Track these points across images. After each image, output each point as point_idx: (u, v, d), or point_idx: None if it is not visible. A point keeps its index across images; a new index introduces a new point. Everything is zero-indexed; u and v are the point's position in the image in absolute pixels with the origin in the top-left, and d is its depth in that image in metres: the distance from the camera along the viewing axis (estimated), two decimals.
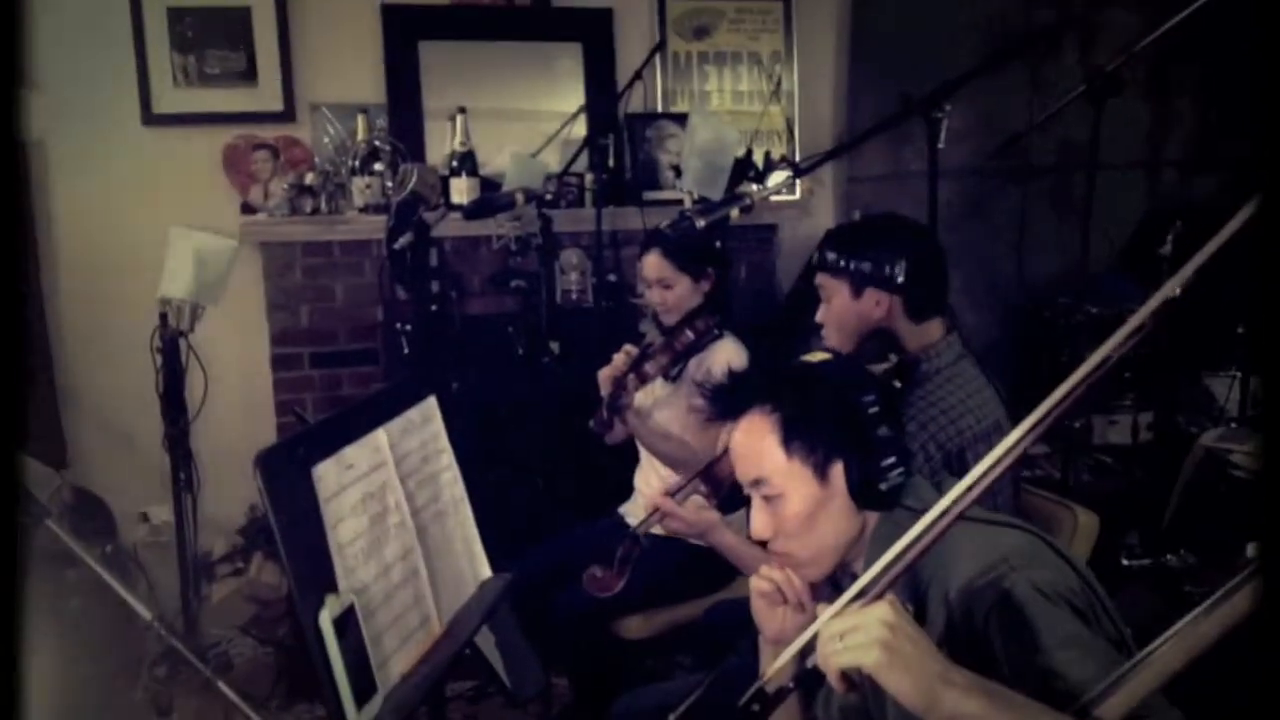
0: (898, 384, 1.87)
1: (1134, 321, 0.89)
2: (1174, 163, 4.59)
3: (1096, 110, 2.96)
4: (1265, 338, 0.72)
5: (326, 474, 1.37)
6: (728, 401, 1.49)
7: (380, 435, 1.52)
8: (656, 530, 2.17)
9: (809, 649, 1.14)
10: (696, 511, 2.01)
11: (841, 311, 2.05)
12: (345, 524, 1.39)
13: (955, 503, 1.01)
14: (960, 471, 1.92)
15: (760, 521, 1.44)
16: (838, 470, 1.40)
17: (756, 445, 1.43)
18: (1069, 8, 4.32)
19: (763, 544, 1.48)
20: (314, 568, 1.32)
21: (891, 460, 1.39)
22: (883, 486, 1.39)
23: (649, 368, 2.54)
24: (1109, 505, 2.18)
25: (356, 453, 1.45)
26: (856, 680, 1.10)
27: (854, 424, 1.39)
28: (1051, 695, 1.13)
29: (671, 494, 2.05)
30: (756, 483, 1.43)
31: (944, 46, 3.95)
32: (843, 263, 2.04)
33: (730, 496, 2.01)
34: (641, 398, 2.63)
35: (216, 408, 3.12)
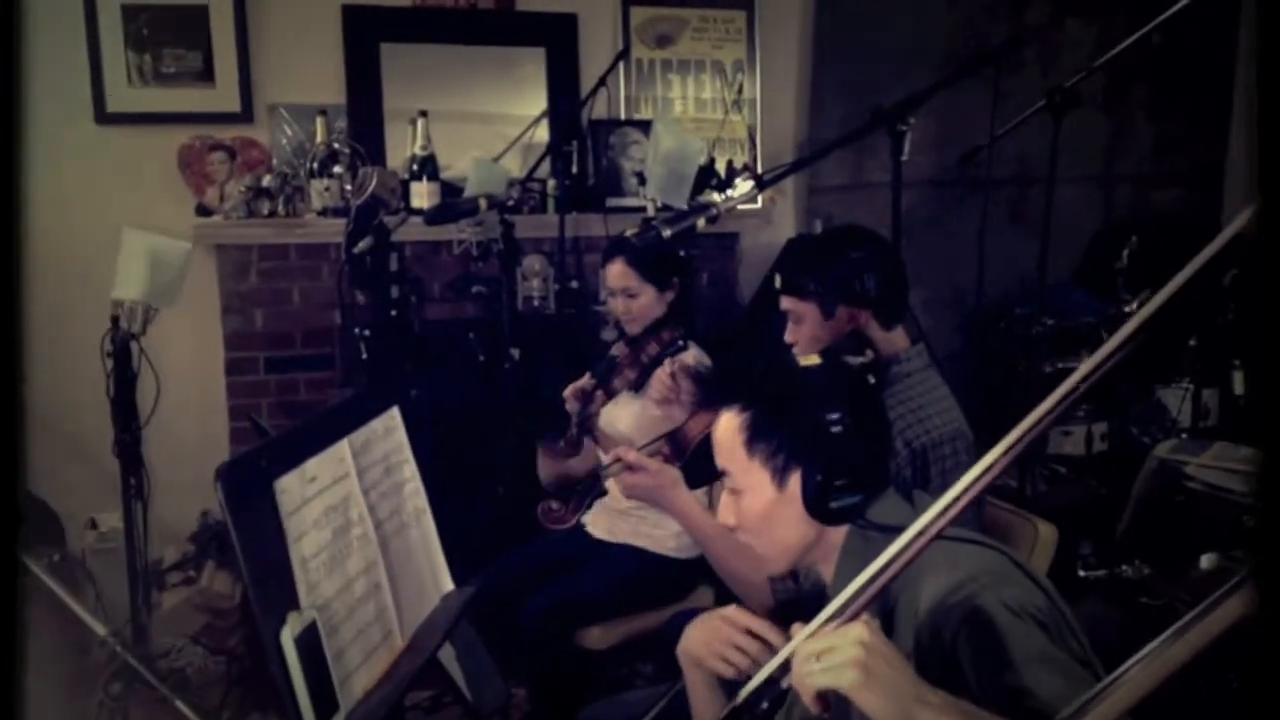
0: (872, 379, 1.89)
1: (1120, 336, 0.89)
2: (1130, 177, 4.66)
3: (1056, 124, 2.99)
4: (1265, 340, 0.72)
5: (289, 487, 1.34)
6: (707, 394, 1.54)
7: (343, 447, 1.49)
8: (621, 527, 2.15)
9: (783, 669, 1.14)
10: (659, 465, 2.01)
11: (814, 333, 2.05)
12: (308, 538, 1.36)
13: (930, 524, 1.01)
14: (922, 470, 1.95)
15: (724, 510, 1.51)
16: (796, 478, 1.41)
17: (727, 440, 1.47)
18: (1030, 22, 4.36)
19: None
20: (275, 583, 1.29)
21: (844, 482, 1.37)
22: (833, 505, 1.38)
23: (616, 383, 2.53)
24: (1064, 516, 2.20)
25: (319, 465, 1.42)
26: (832, 701, 1.10)
27: (815, 438, 1.39)
28: (1020, 713, 1.13)
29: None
30: (724, 473, 1.49)
31: (906, 58, 3.98)
32: (811, 285, 2.04)
33: (693, 470, 2.02)
34: (605, 408, 2.61)
35: (169, 412, 3.05)
